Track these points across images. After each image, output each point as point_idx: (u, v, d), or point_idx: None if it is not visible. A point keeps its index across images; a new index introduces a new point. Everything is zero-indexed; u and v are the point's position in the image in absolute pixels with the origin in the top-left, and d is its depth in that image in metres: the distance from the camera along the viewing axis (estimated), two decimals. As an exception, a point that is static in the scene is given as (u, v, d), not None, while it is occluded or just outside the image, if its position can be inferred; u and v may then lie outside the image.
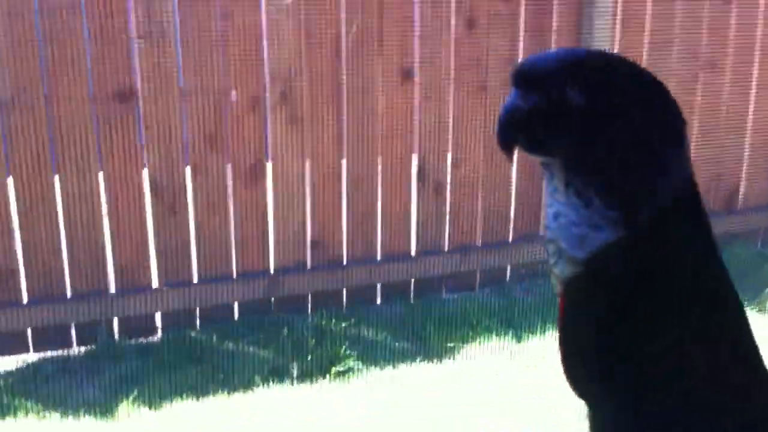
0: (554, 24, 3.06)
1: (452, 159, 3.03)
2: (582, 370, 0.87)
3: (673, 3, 3.22)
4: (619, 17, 3.13)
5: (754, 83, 3.46)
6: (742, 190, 3.57)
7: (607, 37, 3.10)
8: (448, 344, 2.81)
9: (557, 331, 0.88)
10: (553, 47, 3.06)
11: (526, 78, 0.86)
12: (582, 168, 0.84)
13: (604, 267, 0.84)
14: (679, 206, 0.85)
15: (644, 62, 3.21)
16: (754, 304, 3.08)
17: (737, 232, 3.49)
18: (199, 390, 2.50)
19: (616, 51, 3.13)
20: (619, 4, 3.12)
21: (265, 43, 2.71)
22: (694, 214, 0.86)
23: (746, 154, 3.54)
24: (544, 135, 0.86)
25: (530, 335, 2.87)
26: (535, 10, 3.03)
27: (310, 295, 2.94)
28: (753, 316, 2.99)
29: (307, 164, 2.84)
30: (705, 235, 0.87)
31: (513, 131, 0.86)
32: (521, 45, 3.02)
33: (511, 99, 0.86)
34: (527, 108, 0.85)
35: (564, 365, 0.88)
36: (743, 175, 3.57)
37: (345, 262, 2.95)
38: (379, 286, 3.03)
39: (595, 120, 0.83)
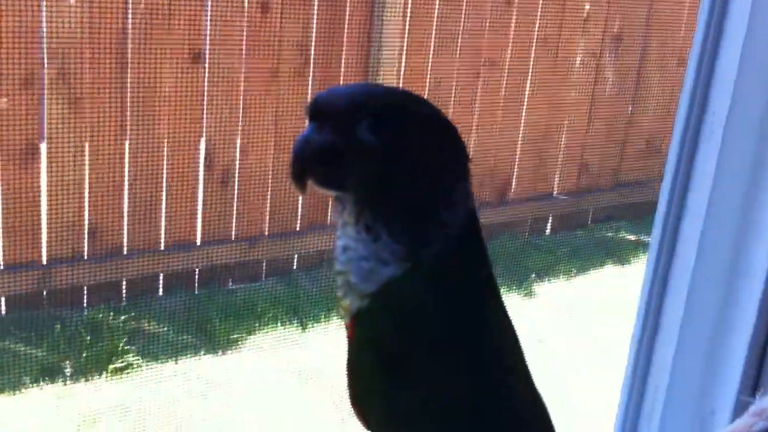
0: (347, 14, 3.05)
1: (241, 146, 2.96)
2: (369, 401, 0.89)
3: (459, 1, 3.32)
4: (408, 12, 3.18)
5: (528, 82, 3.67)
6: (513, 182, 3.79)
7: (396, 30, 3.14)
8: (233, 335, 2.77)
9: (346, 363, 0.89)
10: (345, 38, 3.06)
11: (320, 112, 0.86)
12: (372, 203, 0.86)
13: (390, 301, 0.85)
14: (463, 240, 0.88)
15: (430, 58, 3.30)
16: (522, 289, 3.29)
17: (508, 222, 3.70)
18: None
19: (404, 45, 3.19)
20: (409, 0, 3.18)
21: (43, 14, 2.48)
22: (475, 247, 0.90)
23: (518, 148, 3.75)
24: (335, 171, 0.86)
25: (315, 324, 2.88)
26: (328, -1, 3.01)
27: (86, 288, 2.77)
28: (519, 300, 3.20)
29: (86, 147, 2.65)
30: (486, 267, 0.90)
31: (305, 165, 0.86)
32: (314, 32, 2.99)
33: (306, 132, 0.86)
34: (320, 143, 0.85)
35: (351, 396, 0.90)
36: (515, 169, 3.79)
37: (125, 252, 2.80)
38: (161, 276, 2.91)
39: (385, 158, 0.85)
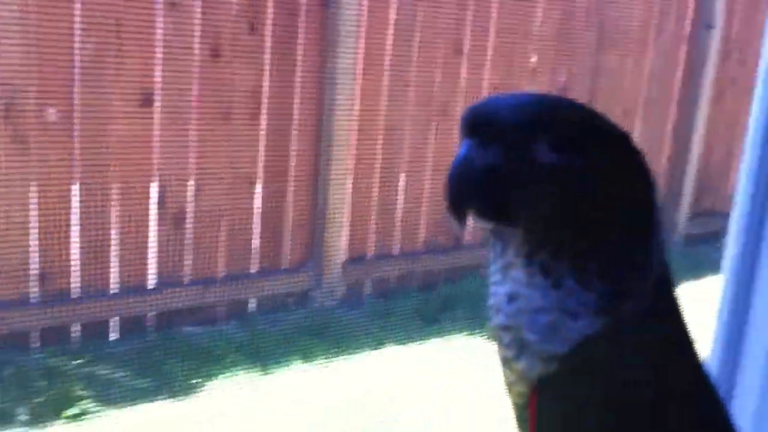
0: (299, 61, 3.09)
1: (194, 188, 2.94)
2: None
3: (410, 51, 3.39)
4: (361, 58, 3.23)
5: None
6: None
7: (349, 78, 3.18)
8: (192, 380, 2.69)
9: None
10: (298, 82, 3.09)
11: (483, 126, 0.70)
12: (552, 240, 0.70)
13: (592, 366, 0.69)
14: (661, 291, 0.73)
15: (383, 105, 3.34)
16: (485, 330, 3.25)
17: (466, 266, 3.69)
18: None
19: (357, 90, 3.23)
20: (362, 47, 3.23)
21: None
22: (672, 301, 0.74)
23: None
24: (504, 197, 0.70)
25: (275, 367, 2.82)
26: (281, 45, 3.05)
27: (37, 333, 2.68)
28: (483, 341, 3.16)
29: (33, 188, 2.61)
30: (684, 324, 0.74)
31: (466, 191, 0.70)
32: (266, 76, 3.02)
33: (465, 151, 0.71)
34: (485, 163, 0.70)
35: None
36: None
37: (76, 296, 2.73)
38: (115, 320, 2.84)
39: (570, 182, 0.70)
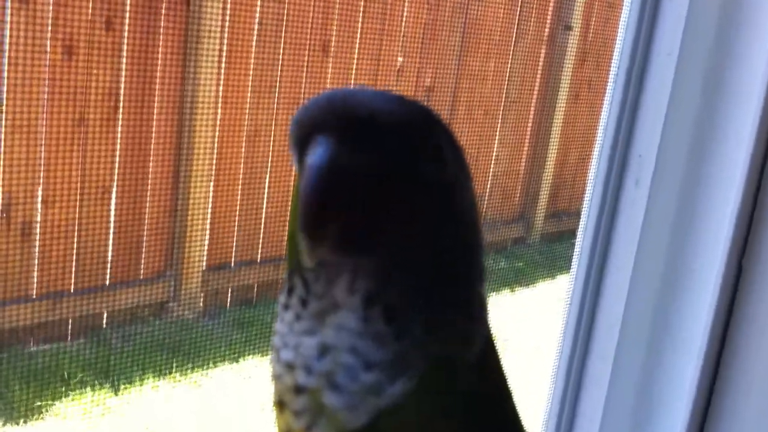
0: (159, 58, 2.95)
1: (43, 197, 2.76)
2: None
3: (275, 50, 3.30)
4: (224, 57, 3.12)
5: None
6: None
7: (211, 76, 3.07)
8: (37, 403, 2.54)
9: None
10: (157, 84, 2.95)
11: (361, 125, 0.54)
12: (412, 278, 0.55)
13: None
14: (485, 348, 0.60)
15: (247, 106, 3.24)
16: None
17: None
18: None
19: (219, 91, 3.12)
20: (224, 48, 3.11)
21: None
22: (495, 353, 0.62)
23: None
24: (379, 214, 0.54)
25: (129, 386, 2.70)
26: (140, 43, 2.89)
27: None
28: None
29: None
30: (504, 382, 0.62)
31: (338, 201, 0.52)
32: (123, 76, 2.87)
33: (327, 151, 0.53)
34: (364, 167, 0.53)
35: None
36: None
37: None
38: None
39: (451, 202, 0.57)
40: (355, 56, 3.68)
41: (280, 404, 0.57)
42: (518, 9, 4.38)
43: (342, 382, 0.54)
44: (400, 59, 3.96)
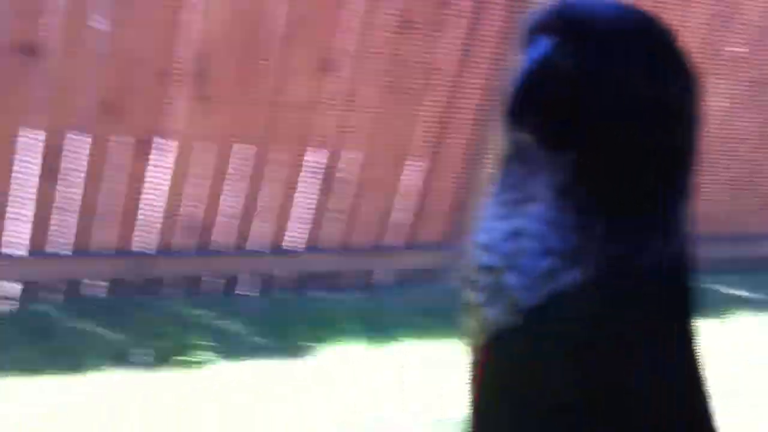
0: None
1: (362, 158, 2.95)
2: None
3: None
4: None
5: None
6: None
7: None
8: (307, 343, 2.76)
9: (471, 394, 0.65)
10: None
11: (578, 30, 0.60)
12: (607, 175, 0.60)
13: (556, 325, 0.60)
14: (679, 258, 0.63)
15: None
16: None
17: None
18: (32, 367, 2.40)
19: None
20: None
21: (186, 13, 2.56)
22: (686, 272, 0.64)
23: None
24: (582, 111, 0.59)
25: (394, 341, 2.80)
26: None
27: (178, 279, 2.88)
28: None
29: (203, 145, 2.73)
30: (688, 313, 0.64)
31: (541, 95, 0.59)
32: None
33: (543, 49, 0.59)
34: (574, 65, 0.59)
35: None
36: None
37: (217, 249, 2.87)
38: (246, 276, 2.97)
39: (660, 113, 0.60)
40: None
41: (468, 282, 0.64)
42: None
43: (522, 264, 0.60)
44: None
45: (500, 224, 0.62)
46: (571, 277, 0.59)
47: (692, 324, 0.65)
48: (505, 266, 0.60)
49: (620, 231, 0.60)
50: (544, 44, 0.59)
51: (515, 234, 0.61)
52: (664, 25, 0.62)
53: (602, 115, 0.59)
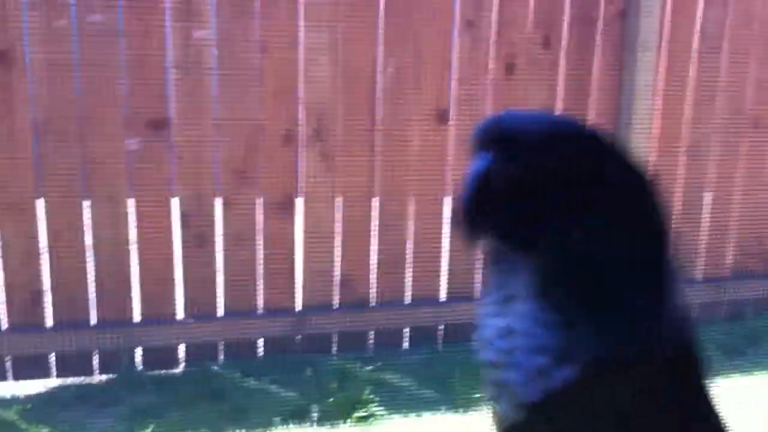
0: (594, 75, 3.01)
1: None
2: None
3: (719, 57, 3.16)
4: (662, 70, 3.07)
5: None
6: None
7: (647, 93, 3.02)
8: (475, 394, 2.71)
9: None
10: (593, 99, 3.01)
11: (507, 138, 0.65)
12: (574, 275, 0.62)
13: (561, 418, 0.62)
14: (678, 348, 0.65)
15: (686, 120, 3.13)
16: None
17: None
18: (217, 427, 2.43)
19: (657, 105, 3.07)
20: (663, 59, 3.06)
21: (301, 78, 2.71)
22: (688, 359, 0.66)
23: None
24: (531, 217, 0.63)
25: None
26: (576, 59, 2.99)
27: (335, 336, 2.88)
28: None
29: (338, 201, 2.81)
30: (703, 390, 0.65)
31: (485, 206, 0.64)
32: (559, 93, 2.98)
33: (485, 163, 0.66)
34: (511, 175, 0.64)
35: None
36: None
37: (372, 304, 2.89)
38: (406, 330, 2.96)
39: (611, 209, 0.64)
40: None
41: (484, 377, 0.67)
42: None
43: (519, 360, 0.62)
44: None
45: (495, 321, 0.65)
46: (565, 373, 0.60)
47: (706, 397, 0.66)
48: (504, 362, 0.64)
49: (605, 323, 0.61)
50: (483, 158, 0.65)
51: (508, 331, 0.64)
52: (593, 129, 0.67)
53: (543, 218, 0.62)
